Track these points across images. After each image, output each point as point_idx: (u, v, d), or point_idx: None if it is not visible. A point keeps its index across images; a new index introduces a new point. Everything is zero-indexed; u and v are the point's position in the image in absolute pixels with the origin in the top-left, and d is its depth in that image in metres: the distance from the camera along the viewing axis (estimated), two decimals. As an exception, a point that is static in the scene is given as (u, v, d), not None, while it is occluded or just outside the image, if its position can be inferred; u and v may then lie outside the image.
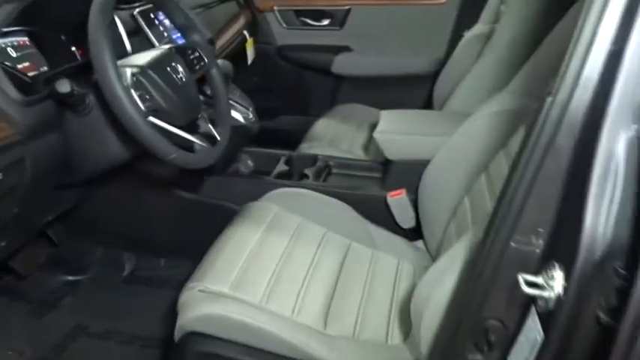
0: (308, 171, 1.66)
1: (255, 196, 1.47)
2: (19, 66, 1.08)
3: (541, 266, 0.66)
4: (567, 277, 0.62)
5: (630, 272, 0.56)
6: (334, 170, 1.70)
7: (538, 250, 0.68)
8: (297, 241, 1.31)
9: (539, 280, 0.65)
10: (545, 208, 0.66)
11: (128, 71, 1.05)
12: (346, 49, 2.33)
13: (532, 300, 0.69)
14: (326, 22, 2.30)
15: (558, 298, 0.63)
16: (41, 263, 1.57)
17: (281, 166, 1.70)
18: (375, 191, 1.54)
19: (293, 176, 1.68)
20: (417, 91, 2.24)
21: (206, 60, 1.26)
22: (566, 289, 0.62)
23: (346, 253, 1.34)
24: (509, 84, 1.23)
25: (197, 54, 1.25)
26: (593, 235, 0.60)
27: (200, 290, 1.11)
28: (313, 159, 1.72)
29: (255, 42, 2.26)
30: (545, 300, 0.64)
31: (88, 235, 1.69)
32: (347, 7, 2.25)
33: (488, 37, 1.79)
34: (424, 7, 2.17)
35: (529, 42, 1.38)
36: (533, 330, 0.69)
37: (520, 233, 0.68)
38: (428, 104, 2.15)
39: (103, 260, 1.70)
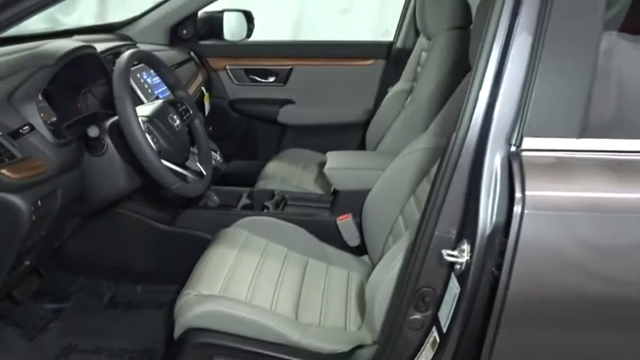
0: (268, 203, 1.96)
1: (224, 225, 1.72)
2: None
3: (455, 244, 1.00)
4: (472, 248, 0.96)
5: (505, 239, 0.90)
6: (290, 202, 2.00)
7: (453, 236, 1.02)
8: (266, 258, 1.59)
9: (455, 252, 0.99)
10: (456, 208, 1.00)
11: (140, 120, 1.32)
12: (289, 101, 2.65)
13: (451, 268, 1.03)
14: (272, 79, 2.62)
15: (467, 262, 0.96)
16: (32, 291, 1.73)
17: (244, 200, 1.99)
18: (326, 217, 1.86)
19: (255, 208, 1.97)
20: (351, 136, 2.59)
21: (191, 112, 1.55)
22: (471, 256, 0.96)
23: (306, 266, 1.63)
24: (428, 128, 1.60)
25: (184, 107, 1.54)
26: (484, 220, 0.94)
27: (195, 295, 1.36)
28: (271, 193, 2.02)
29: (210, 97, 2.56)
30: (460, 264, 0.97)
31: (69, 267, 1.87)
32: (289, 67, 2.59)
33: (409, 91, 2.19)
34: (354, 67, 2.56)
35: (441, 95, 1.78)
36: (452, 288, 1.03)
37: (441, 227, 1.02)
38: (361, 147, 2.51)
39: (84, 289, 1.88)
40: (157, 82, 1.83)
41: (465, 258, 0.96)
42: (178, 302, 1.36)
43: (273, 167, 2.37)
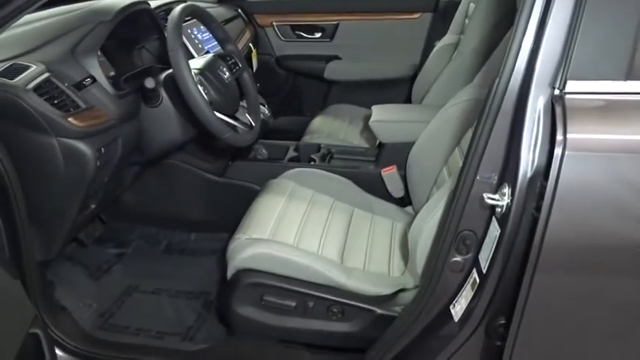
0: (314, 156, 2.01)
1: (272, 176, 1.78)
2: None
3: (497, 189, 1.03)
4: (513, 192, 0.98)
5: (545, 182, 0.92)
6: (336, 155, 2.05)
7: (494, 181, 1.04)
8: (312, 207, 1.65)
9: (496, 196, 1.01)
10: (498, 153, 1.02)
11: (192, 73, 1.38)
12: (336, 57, 2.66)
13: (492, 211, 1.05)
14: (318, 35, 2.64)
15: (508, 205, 0.99)
16: (97, 235, 1.87)
17: (291, 153, 2.05)
18: (371, 169, 1.90)
19: (302, 161, 2.03)
20: (397, 91, 2.59)
21: (240, 65, 1.61)
22: (512, 199, 0.98)
23: (351, 215, 1.68)
24: (473, 80, 1.60)
25: (233, 60, 1.59)
26: (526, 163, 0.96)
27: (246, 238, 1.44)
28: (317, 147, 2.07)
29: (258, 53, 2.61)
30: (501, 207, 1.00)
31: (128, 216, 2.00)
32: (336, 22, 2.59)
33: (455, 45, 2.17)
34: (401, 21, 2.54)
35: (487, 48, 1.75)
36: (493, 230, 1.05)
37: (483, 171, 1.04)
38: (407, 102, 2.51)
39: (142, 236, 2.01)
40: (207, 37, 1.89)
41: (505, 201, 0.99)
42: (230, 245, 1.44)
43: (319, 122, 2.41)
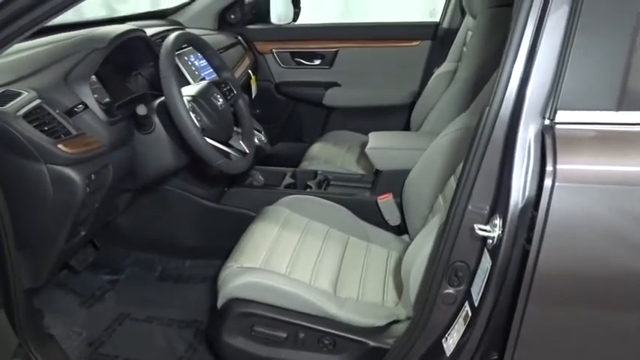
0: (311, 183, 2.00)
1: (268, 203, 1.77)
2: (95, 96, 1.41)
3: (488, 219, 1.01)
4: (504, 223, 0.96)
5: (535, 213, 0.90)
6: (332, 182, 2.04)
7: (486, 211, 1.02)
8: (306, 235, 1.63)
9: (487, 227, 0.99)
10: (489, 183, 1.00)
11: (185, 99, 1.38)
12: (335, 84, 2.66)
13: (484, 243, 1.03)
14: (317, 61, 2.65)
15: (499, 236, 0.97)
16: (89, 262, 1.85)
17: (287, 180, 2.04)
18: (367, 196, 1.88)
19: (298, 187, 2.02)
20: (396, 118, 2.59)
21: (235, 92, 1.61)
22: (503, 230, 0.96)
23: (346, 244, 1.66)
24: (469, 107, 1.60)
25: (228, 87, 1.59)
26: (517, 194, 0.94)
27: (238, 267, 1.42)
28: (314, 173, 2.06)
29: (257, 79, 2.62)
30: (492, 239, 0.98)
31: (122, 241, 1.98)
32: (335, 49, 2.61)
33: (454, 72, 2.17)
34: (400, 49, 2.55)
35: (483, 76, 1.74)
36: (485, 262, 1.03)
37: (474, 202, 1.02)
38: (406, 129, 2.50)
39: (137, 262, 1.99)
40: (204, 64, 1.90)
41: (497, 232, 0.97)
42: (222, 274, 1.42)
43: (317, 149, 2.40)
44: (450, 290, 1.09)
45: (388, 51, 2.56)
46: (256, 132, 1.94)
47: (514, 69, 0.94)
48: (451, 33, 2.36)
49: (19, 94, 1.19)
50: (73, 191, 1.21)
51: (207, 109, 1.41)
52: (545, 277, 0.88)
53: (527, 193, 0.92)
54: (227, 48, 2.37)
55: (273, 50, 2.66)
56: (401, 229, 1.82)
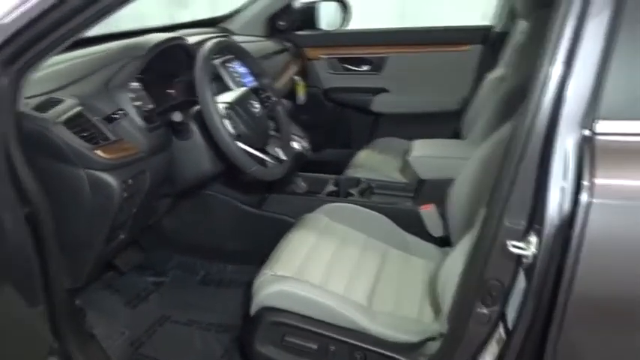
0: (353, 190, 1.97)
1: (309, 210, 1.76)
2: (135, 103, 1.44)
3: (523, 236, 0.94)
4: (540, 241, 0.90)
5: (570, 230, 0.83)
6: (375, 190, 2.00)
7: (522, 227, 0.96)
8: (344, 244, 1.60)
9: (521, 244, 0.93)
10: (524, 198, 0.93)
11: (221, 106, 1.39)
12: (384, 90, 2.62)
13: (519, 261, 0.96)
14: (366, 67, 2.62)
15: (534, 255, 0.90)
16: (135, 264, 1.91)
17: (330, 187, 2.02)
18: (410, 206, 1.83)
19: (340, 195, 1.99)
20: (446, 125, 2.51)
21: (273, 99, 1.60)
22: (539, 248, 0.89)
23: (384, 254, 1.62)
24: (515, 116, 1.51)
25: (267, 94, 1.59)
26: (553, 210, 0.87)
27: (271, 274, 1.41)
28: (357, 181, 2.02)
29: (305, 86, 2.62)
30: (527, 257, 0.92)
31: (167, 244, 2.03)
32: (384, 55, 2.57)
33: (505, 78, 2.08)
34: (450, 54, 2.48)
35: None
36: (520, 282, 0.96)
37: (508, 217, 0.96)
38: (456, 136, 2.42)
39: (181, 266, 2.03)
40: (246, 71, 1.90)
41: (532, 250, 0.90)
42: (256, 280, 1.41)
43: (363, 156, 2.37)
44: (484, 310, 1.02)
45: (438, 56, 2.49)
46: (298, 138, 1.93)
47: (551, 75, 0.88)
48: (503, 37, 2.26)
49: (62, 101, 1.23)
50: (109, 196, 1.24)
51: (243, 115, 1.41)
52: (581, 300, 0.82)
53: (564, 210, 0.86)
54: (274, 54, 2.38)
55: (322, 56, 2.65)
56: (444, 241, 1.75)
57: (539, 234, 0.89)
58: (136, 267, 1.94)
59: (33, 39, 1.09)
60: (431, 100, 2.55)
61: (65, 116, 1.19)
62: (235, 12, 2.57)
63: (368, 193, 1.97)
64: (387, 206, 1.83)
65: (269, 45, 2.43)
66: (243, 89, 1.53)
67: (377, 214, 1.74)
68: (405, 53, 2.55)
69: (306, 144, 1.95)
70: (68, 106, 1.23)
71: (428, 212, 1.73)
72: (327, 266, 1.48)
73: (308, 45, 2.66)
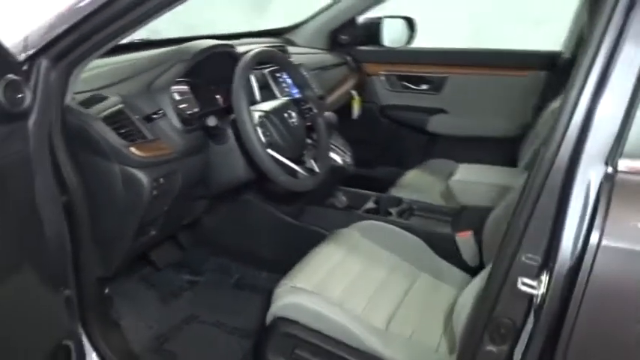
0: (392, 210, 1.93)
1: (344, 225, 1.74)
2: (180, 106, 1.49)
3: (537, 274, 0.88)
4: (550, 280, 0.83)
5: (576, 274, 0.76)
6: (416, 212, 1.95)
7: (537, 264, 0.89)
8: (372, 263, 1.57)
9: (532, 282, 0.87)
10: (541, 233, 0.87)
11: (256, 114, 1.41)
12: (441, 110, 2.56)
13: (531, 300, 0.90)
14: (425, 86, 2.57)
15: (543, 295, 0.84)
16: (172, 262, 1.97)
17: (370, 204, 1.99)
18: (447, 231, 1.76)
19: (380, 213, 1.95)
20: (502, 151, 2.38)
21: (315, 111, 1.61)
22: (548, 288, 0.83)
23: (413, 278, 1.57)
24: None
25: (308, 105, 1.60)
26: (566, 249, 0.81)
27: (291, 286, 1.40)
28: (399, 201, 1.98)
29: (362, 101, 2.61)
30: (536, 297, 0.86)
31: (206, 245, 2.08)
32: (445, 75, 2.51)
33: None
34: (514, 78, 2.37)
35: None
36: (529, 323, 0.90)
37: (523, 252, 0.90)
38: (512, 164, 2.31)
39: (217, 268, 2.07)
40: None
41: (541, 290, 0.84)
42: (275, 290, 1.42)
43: (411, 176, 2.32)
44: (492, 348, 0.97)
45: (501, 79, 2.40)
46: (342, 152, 1.93)
47: (579, 103, 0.82)
48: (571, 64, 2.14)
49: (106, 98, 1.30)
50: (139, 192, 1.28)
51: (277, 124, 1.42)
52: (579, 353, 0.75)
53: (578, 250, 0.79)
54: (332, 67, 2.39)
55: (381, 72, 2.63)
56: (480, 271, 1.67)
57: (550, 273, 0.83)
58: (174, 264, 2.00)
59: (82, 36, 1.16)
60: (489, 124, 2.45)
61: (106, 113, 1.26)
62: (299, 24, 2.61)
63: (407, 214, 1.93)
64: (424, 229, 1.77)
65: (328, 58, 2.44)
66: (283, 99, 1.55)
67: (412, 236, 1.70)
68: (466, 74, 2.48)
69: (348, 159, 1.94)
70: (111, 103, 1.29)
71: (464, 239, 1.66)
72: (349, 284, 1.46)
73: (368, 60, 2.65)
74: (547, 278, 0.84)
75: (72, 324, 1.27)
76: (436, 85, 2.55)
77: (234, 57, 1.63)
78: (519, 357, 0.90)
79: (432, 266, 1.63)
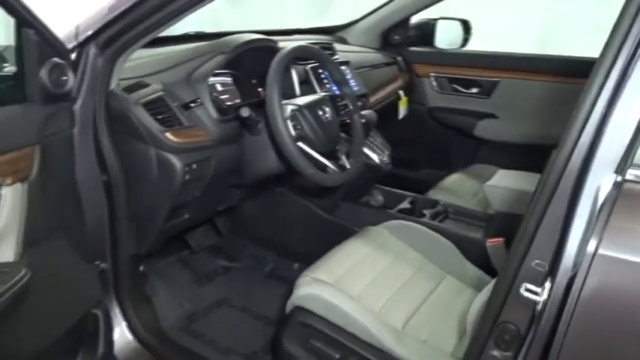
0: (426, 211, 1.91)
1: (376, 224, 1.75)
2: (222, 97, 1.54)
3: (542, 281, 0.86)
4: (551, 287, 0.82)
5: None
6: (450, 216, 1.92)
7: (543, 270, 0.88)
8: (398, 262, 1.57)
9: (535, 289, 0.85)
10: (550, 239, 0.86)
11: (289, 108, 1.44)
12: (491, 115, 2.50)
13: (534, 306, 0.88)
14: (475, 90, 2.52)
15: (544, 302, 0.83)
16: (208, 246, 2.04)
17: (404, 204, 1.98)
18: (479, 237, 1.73)
19: (414, 214, 1.94)
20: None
21: (350, 107, 1.62)
22: (549, 295, 0.82)
23: (439, 281, 1.55)
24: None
25: (345, 102, 1.62)
26: (569, 257, 0.80)
27: (311, 277, 1.43)
28: (435, 203, 1.96)
29: (410, 102, 2.59)
30: (539, 304, 0.84)
31: (243, 233, 2.14)
32: (496, 79, 2.46)
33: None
34: (569, 85, 2.28)
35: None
36: (532, 330, 0.88)
37: (531, 257, 0.89)
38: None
39: (252, 256, 2.12)
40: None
41: (543, 297, 0.83)
42: (297, 280, 1.45)
43: (453, 179, 2.29)
44: (496, 353, 0.96)
45: (555, 86, 2.31)
46: (380, 151, 1.93)
47: (594, 110, 0.81)
48: (630, 73, 2.04)
49: (148, 85, 1.38)
50: (172, 176, 1.35)
51: (309, 119, 1.45)
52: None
53: (578, 260, 0.78)
54: (381, 66, 2.39)
55: (431, 74, 2.61)
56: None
57: (553, 280, 0.82)
58: (212, 249, 2.08)
59: (127, 26, 1.24)
60: (540, 131, 2.36)
61: (146, 99, 1.33)
62: (352, 23, 2.63)
63: (442, 218, 1.91)
64: (456, 233, 1.75)
65: (378, 57, 2.45)
66: (319, 95, 1.57)
67: (442, 238, 1.68)
68: (519, 79, 2.41)
69: (386, 158, 1.94)
70: (152, 90, 1.37)
71: (495, 246, 1.63)
72: (372, 280, 1.47)
73: (419, 61, 2.63)
74: (550, 285, 0.82)
75: (103, 295, 1.35)
76: (487, 89, 2.50)
77: (275, 52, 1.68)
78: (520, 364, 0.89)
79: (460, 270, 1.61)
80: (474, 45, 2.66)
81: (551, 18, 3.99)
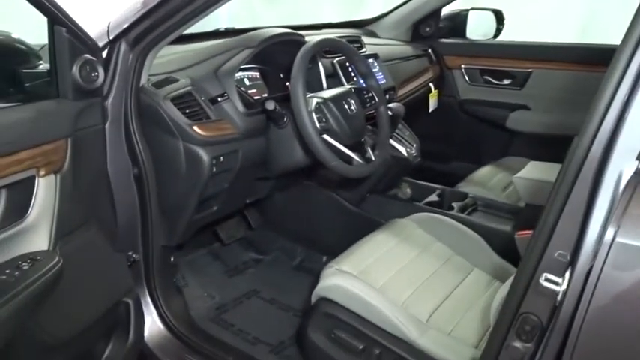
0: (455, 204, 1.90)
1: (404, 216, 1.75)
2: (249, 91, 1.58)
3: (563, 271, 0.85)
4: (571, 277, 0.81)
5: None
6: (480, 209, 1.90)
7: (564, 260, 0.86)
8: (424, 254, 1.57)
9: (555, 278, 0.84)
10: (572, 228, 0.84)
11: (314, 100, 1.46)
12: (523, 107, 2.45)
13: (555, 296, 0.87)
14: (507, 81, 2.47)
15: (564, 292, 0.82)
16: (239, 238, 2.08)
17: (433, 197, 1.97)
18: (507, 230, 1.71)
19: (442, 207, 1.93)
20: (586, 152, 2.26)
21: (377, 100, 1.62)
22: (569, 285, 0.81)
23: (466, 274, 1.54)
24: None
25: (370, 94, 1.62)
26: (589, 247, 0.78)
27: (336, 268, 1.44)
28: (464, 196, 1.94)
29: (440, 94, 2.57)
30: (558, 294, 0.83)
31: (273, 226, 2.17)
32: (529, 70, 2.41)
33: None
34: (599, 75, 2.22)
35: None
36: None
37: (552, 247, 0.87)
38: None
39: (282, 248, 2.15)
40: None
41: (562, 287, 0.82)
42: (322, 272, 1.46)
43: (484, 172, 2.26)
44: (517, 344, 0.95)
45: (589, 76, 2.23)
46: (407, 144, 1.93)
47: (615, 97, 0.79)
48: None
49: (176, 80, 1.42)
50: (200, 169, 1.39)
51: (334, 112, 1.46)
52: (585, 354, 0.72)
53: (596, 251, 0.77)
54: (410, 59, 2.38)
55: (462, 66, 2.57)
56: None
57: (572, 269, 0.81)
58: (242, 242, 2.12)
59: (155, 23, 1.28)
60: (574, 122, 2.29)
61: (175, 93, 1.37)
62: (382, 16, 2.62)
63: (471, 210, 1.88)
64: (484, 225, 1.73)
65: (407, 49, 2.44)
66: (344, 88, 1.58)
67: (470, 231, 1.66)
68: (553, 70, 2.36)
69: (414, 151, 1.93)
70: (180, 85, 1.40)
71: (523, 239, 1.60)
72: (397, 272, 1.47)
73: (449, 53, 2.60)
74: (569, 275, 0.81)
75: (135, 284, 1.40)
76: (519, 80, 2.45)
77: (302, 45, 1.69)
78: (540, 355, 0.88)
79: (487, 263, 1.59)
80: (511, 36, 2.61)
81: (592, 5, 3.87)
